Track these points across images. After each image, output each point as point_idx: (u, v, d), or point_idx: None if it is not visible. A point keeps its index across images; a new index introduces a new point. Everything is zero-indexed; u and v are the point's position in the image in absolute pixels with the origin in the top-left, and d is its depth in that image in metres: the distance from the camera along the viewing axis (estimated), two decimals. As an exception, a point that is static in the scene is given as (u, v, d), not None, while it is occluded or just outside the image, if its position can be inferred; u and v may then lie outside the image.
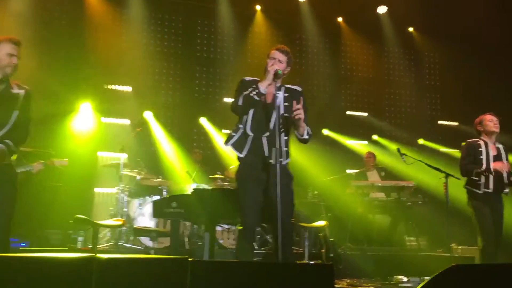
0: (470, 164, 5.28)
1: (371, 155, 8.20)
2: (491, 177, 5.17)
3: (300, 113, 3.79)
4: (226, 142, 3.99)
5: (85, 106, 8.35)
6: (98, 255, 2.42)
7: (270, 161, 3.75)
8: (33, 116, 3.91)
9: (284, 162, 3.86)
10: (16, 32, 7.84)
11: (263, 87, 3.82)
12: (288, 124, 3.96)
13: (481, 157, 5.25)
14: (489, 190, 5.17)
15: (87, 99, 8.36)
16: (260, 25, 10.07)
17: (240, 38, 9.85)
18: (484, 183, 5.18)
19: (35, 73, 7.65)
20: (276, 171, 3.55)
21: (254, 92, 3.80)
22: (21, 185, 3.91)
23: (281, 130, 3.81)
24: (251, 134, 3.90)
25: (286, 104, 3.95)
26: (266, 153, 3.85)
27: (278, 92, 3.91)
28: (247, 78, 4.03)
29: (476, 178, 5.19)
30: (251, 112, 3.90)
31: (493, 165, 5.14)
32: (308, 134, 4.00)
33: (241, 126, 3.94)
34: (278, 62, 3.93)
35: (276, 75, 3.82)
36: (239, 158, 3.96)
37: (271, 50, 4.03)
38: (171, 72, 9.50)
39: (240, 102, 3.85)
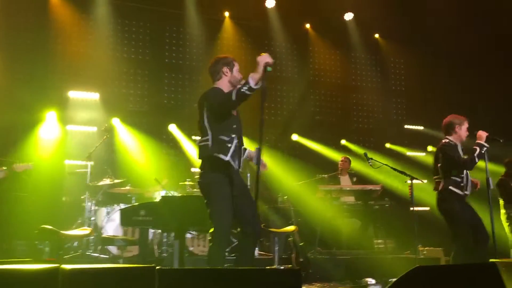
0: (463, 158, 5.11)
1: (347, 160, 8.28)
2: (469, 180, 5.15)
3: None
4: (225, 154, 3.77)
5: (51, 114, 8.19)
6: (63, 266, 2.38)
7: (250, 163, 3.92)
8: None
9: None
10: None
11: (254, 81, 3.53)
12: None
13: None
14: (468, 192, 5.14)
15: (53, 107, 8.20)
16: (229, 31, 10.10)
17: (209, 44, 9.85)
18: (465, 184, 5.09)
19: (0, 81, 7.50)
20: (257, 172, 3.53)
21: (246, 87, 3.55)
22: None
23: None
24: (238, 145, 3.89)
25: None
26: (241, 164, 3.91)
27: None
28: (217, 87, 4.02)
29: (459, 179, 5.07)
30: (235, 120, 3.89)
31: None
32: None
33: (233, 135, 3.84)
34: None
35: (266, 69, 3.59)
36: (227, 167, 3.80)
37: (233, 61, 4.03)
38: (139, 78, 9.42)
39: (234, 97, 3.60)
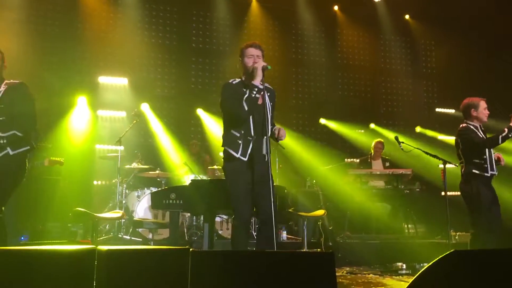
0: (482, 137, 5.04)
1: (380, 144, 8.18)
2: (492, 158, 5.05)
3: (282, 136, 4.03)
4: (236, 152, 3.89)
5: (81, 99, 8.32)
6: (99, 247, 2.41)
7: (266, 159, 3.92)
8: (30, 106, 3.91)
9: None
10: (11, 27, 7.81)
11: (258, 84, 3.83)
12: (272, 123, 4.11)
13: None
14: (494, 172, 5.05)
15: (83, 93, 8.32)
16: (256, 15, 10.03)
17: (236, 28, 9.81)
18: (489, 165, 5.00)
19: (30, 67, 7.63)
20: (265, 166, 3.82)
21: (254, 91, 3.82)
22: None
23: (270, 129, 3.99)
24: (254, 136, 3.91)
25: (271, 104, 4.08)
26: (264, 152, 3.92)
27: (267, 92, 3.97)
28: (233, 81, 4.03)
29: (482, 161, 4.99)
30: (252, 114, 3.90)
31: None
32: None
33: (242, 131, 3.91)
34: (257, 57, 3.95)
35: (265, 70, 3.84)
36: (235, 158, 3.91)
37: (244, 49, 4.01)
38: (166, 63, 9.47)
39: (246, 108, 3.82)
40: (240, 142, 3.89)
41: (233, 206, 3.92)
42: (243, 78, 4.02)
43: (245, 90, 3.87)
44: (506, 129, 4.88)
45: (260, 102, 3.93)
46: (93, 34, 8.76)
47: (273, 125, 4.13)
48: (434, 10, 10.11)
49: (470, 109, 5.15)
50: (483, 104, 5.17)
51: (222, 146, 4.02)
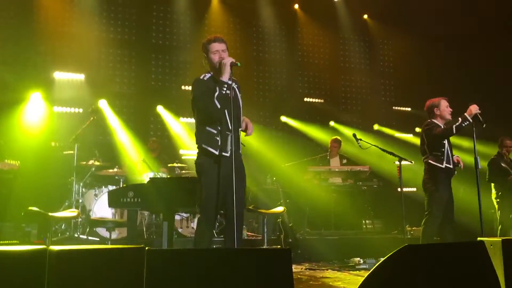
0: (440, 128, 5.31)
1: (336, 143, 8.30)
2: (450, 153, 5.33)
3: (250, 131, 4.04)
4: (215, 149, 3.83)
5: (36, 95, 8.05)
6: (51, 247, 2.35)
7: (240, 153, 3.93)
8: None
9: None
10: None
11: (226, 79, 3.79)
12: None
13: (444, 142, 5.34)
14: (449, 166, 5.31)
15: (38, 89, 8.07)
16: (217, 11, 9.97)
17: (196, 24, 9.72)
18: (445, 158, 5.28)
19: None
20: (238, 160, 3.79)
21: (224, 88, 3.77)
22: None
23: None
24: (232, 131, 3.84)
25: (240, 95, 4.08)
26: (236, 147, 3.90)
27: (233, 84, 3.92)
28: (203, 77, 3.97)
29: (439, 153, 5.29)
30: (226, 110, 3.85)
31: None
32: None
33: (219, 127, 3.86)
34: (222, 52, 3.92)
35: (232, 66, 3.80)
36: (214, 155, 3.86)
37: (207, 44, 3.96)
38: (126, 59, 9.27)
39: (219, 105, 3.77)
40: (218, 138, 3.84)
41: (203, 203, 3.84)
42: (212, 74, 3.97)
43: (215, 86, 3.80)
44: (460, 119, 5.12)
45: (233, 95, 3.88)
46: (49, 28, 8.49)
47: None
48: (391, 11, 10.34)
49: (433, 108, 5.47)
50: (444, 103, 5.47)
51: (197, 143, 3.93)
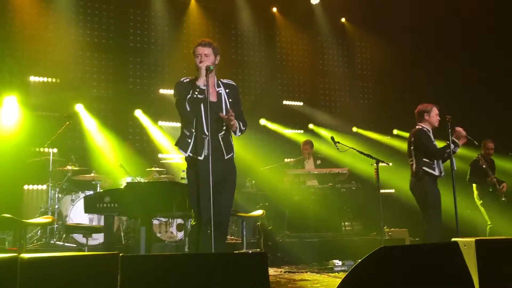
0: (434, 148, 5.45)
1: (307, 144, 8.34)
2: (440, 161, 5.46)
3: (233, 120, 3.89)
4: (185, 150, 3.91)
5: (10, 99, 7.90)
6: (22, 255, 2.30)
7: (226, 157, 3.92)
8: None
9: (237, 134, 4.04)
10: None
11: (201, 84, 3.81)
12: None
13: (434, 143, 5.50)
14: (442, 173, 5.46)
15: (13, 92, 7.91)
16: (195, 14, 9.93)
17: (174, 27, 9.67)
18: (437, 165, 5.42)
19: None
20: (225, 165, 3.84)
21: (196, 92, 3.80)
22: None
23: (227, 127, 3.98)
24: (207, 134, 3.87)
25: (230, 100, 4.05)
26: (223, 150, 3.93)
27: (219, 89, 4.00)
28: (184, 80, 4.03)
29: (430, 161, 5.40)
30: (201, 113, 3.87)
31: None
32: (240, 130, 4.08)
33: (193, 130, 3.91)
34: (205, 56, 3.94)
35: (208, 70, 3.83)
36: (195, 160, 3.91)
37: (194, 48, 4.03)
38: (103, 63, 9.15)
39: (188, 108, 3.84)
40: (189, 141, 3.90)
41: (192, 207, 3.90)
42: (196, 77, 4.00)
43: (190, 89, 3.85)
44: (452, 145, 5.27)
45: (214, 99, 3.91)
46: (24, 32, 8.34)
47: (242, 120, 4.10)
48: (368, 14, 10.44)
49: (423, 114, 5.60)
50: (435, 110, 5.60)
51: (175, 145, 4.04)
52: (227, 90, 4.04)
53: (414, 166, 5.50)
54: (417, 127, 5.63)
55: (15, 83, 8.03)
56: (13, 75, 8.08)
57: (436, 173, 5.41)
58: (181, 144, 3.95)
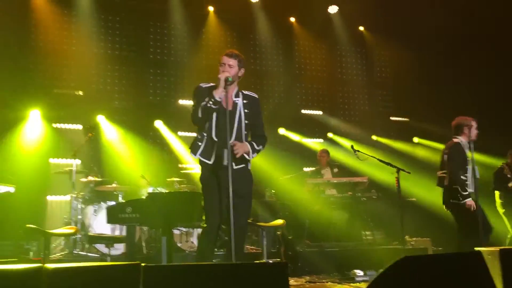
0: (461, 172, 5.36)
1: (324, 153, 8.31)
2: (472, 178, 5.37)
3: (238, 151, 3.85)
4: (194, 153, 3.98)
5: (35, 112, 8.09)
6: (47, 265, 2.35)
7: (224, 162, 3.78)
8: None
9: (249, 156, 3.99)
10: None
11: (217, 95, 3.83)
12: (248, 130, 4.08)
13: (468, 159, 5.41)
14: (472, 190, 5.37)
15: (37, 106, 8.10)
16: (213, 26, 10.04)
17: (193, 39, 9.79)
18: (470, 183, 5.35)
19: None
20: (229, 173, 3.69)
21: (211, 102, 3.83)
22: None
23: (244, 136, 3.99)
24: (215, 139, 3.93)
25: (246, 111, 4.05)
26: (226, 160, 3.85)
27: (237, 99, 4.01)
28: (203, 85, 4.07)
29: (464, 178, 5.31)
30: (213, 118, 3.93)
31: None
32: (255, 151, 4.05)
33: (205, 134, 3.97)
34: (228, 67, 3.97)
35: (226, 81, 3.85)
36: (205, 164, 3.97)
37: (221, 56, 4.06)
38: (124, 75, 9.31)
39: (200, 114, 3.88)
40: (200, 144, 3.97)
41: (204, 211, 3.95)
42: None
43: (206, 96, 3.89)
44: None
45: (229, 108, 3.89)
46: (47, 46, 8.54)
47: (259, 133, 4.12)
48: (387, 22, 10.41)
49: (463, 127, 5.52)
50: (474, 124, 5.54)
51: (189, 148, 4.10)
52: (244, 101, 4.05)
53: (447, 180, 5.45)
54: (454, 140, 5.54)
55: (39, 97, 8.22)
56: (37, 88, 8.26)
57: (470, 189, 5.33)
58: (192, 146, 4.02)
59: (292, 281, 5.56)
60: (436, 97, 10.18)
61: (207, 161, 3.94)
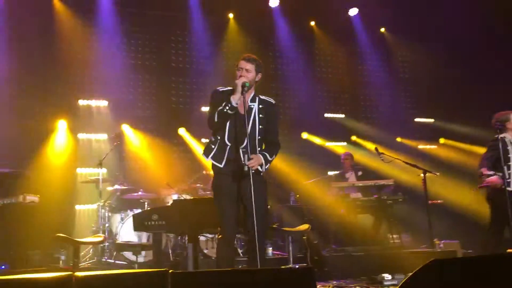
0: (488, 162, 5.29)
1: (348, 156, 8.25)
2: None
3: (253, 165, 3.78)
4: (207, 155, 3.97)
5: (61, 123, 8.25)
6: (77, 273, 2.39)
7: (245, 168, 3.76)
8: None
9: (262, 169, 3.90)
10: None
11: (234, 100, 3.80)
12: (262, 135, 4.00)
13: (509, 155, 5.30)
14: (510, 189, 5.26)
15: (62, 116, 8.26)
16: (234, 32, 10.09)
17: (214, 46, 9.86)
18: (511, 181, 5.24)
19: (9, 91, 7.58)
20: (250, 177, 3.67)
21: (227, 107, 3.80)
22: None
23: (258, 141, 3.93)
24: (228, 144, 3.91)
25: (261, 116, 3.99)
26: (242, 163, 3.84)
27: (252, 103, 3.97)
28: (220, 89, 4.04)
29: (506, 176, 5.21)
30: (228, 123, 3.91)
31: None
32: (268, 162, 3.95)
33: (218, 137, 3.95)
34: (246, 71, 3.93)
35: (244, 87, 3.81)
36: (216, 168, 3.96)
37: (238, 60, 4.02)
38: (147, 84, 9.44)
39: (216, 119, 3.86)
40: (213, 147, 3.94)
41: (219, 220, 3.89)
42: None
43: (224, 101, 3.85)
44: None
45: (243, 112, 3.85)
46: (70, 56, 8.69)
47: (272, 139, 4.06)
48: (409, 23, 10.30)
49: (506, 122, 5.42)
50: None
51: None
52: (260, 106, 4.00)
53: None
54: (494, 136, 5.40)
55: (65, 107, 8.38)
56: (62, 99, 8.43)
57: (510, 188, 5.21)
58: (205, 149, 4.01)
59: (319, 286, 5.51)
60: (460, 97, 10.01)
61: (218, 164, 3.91)
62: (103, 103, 8.78)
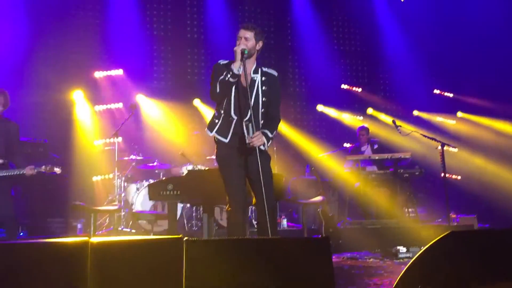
0: None
1: (364, 130, 8.14)
2: None
3: (253, 144, 3.69)
4: (211, 130, 3.91)
5: (77, 93, 8.27)
6: (92, 239, 2.41)
7: (248, 145, 3.72)
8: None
9: (265, 147, 3.82)
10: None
11: (235, 68, 3.69)
12: (266, 108, 3.92)
13: None
14: None
15: (79, 87, 8.28)
16: (249, 3, 9.95)
17: (229, 17, 9.73)
18: None
19: (26, 62, 7.61)
20: (257, 151, 3.65)
21: (229, 75, 3.70)
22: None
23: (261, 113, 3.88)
24: (234, 117, 3.84)
25: (264, 88, 3.91)
26: (245, 138, 3.79)
27: (255, 75, 3.90)
28: (222, 62, 3.94)
29: None
30: (232, 96, 3.83)
31: None
32: (269, 139, 3.82)
33: (222, 111, 3.87)
34: (244, 40, 3.83)
35: (243, 54, 3.71)
36: (221, 142, 3.89)
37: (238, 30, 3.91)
38: (162, 55, 9.40)
39: (218, 89, 3.77)
40: (217, 121, 3.88)
41: (226, 191, 3.85)
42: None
43: (224, 71, 3.76)
44: None
45: (246, 85, 3.80)
46: (86, 27, 8.67)
47: (273, 113, 3.96)
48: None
49: None
50: None
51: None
52: (263, 78, 3.90)
53: None
54: None
55: (81, 78, 8.39)
56: (78, 70, 8.42)
57: None
58: (209, 124, 3.94)
59: (333, 258, 5.52)
60: (479, 71, 9.76)
61: (223, 139, 3.84)
62: (118, 73, 8.74)
